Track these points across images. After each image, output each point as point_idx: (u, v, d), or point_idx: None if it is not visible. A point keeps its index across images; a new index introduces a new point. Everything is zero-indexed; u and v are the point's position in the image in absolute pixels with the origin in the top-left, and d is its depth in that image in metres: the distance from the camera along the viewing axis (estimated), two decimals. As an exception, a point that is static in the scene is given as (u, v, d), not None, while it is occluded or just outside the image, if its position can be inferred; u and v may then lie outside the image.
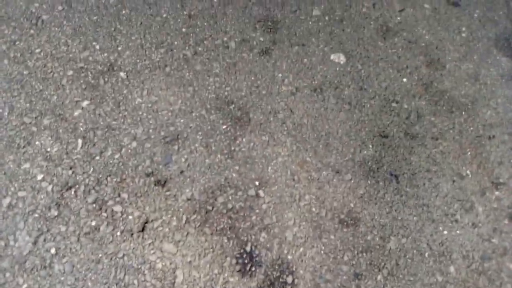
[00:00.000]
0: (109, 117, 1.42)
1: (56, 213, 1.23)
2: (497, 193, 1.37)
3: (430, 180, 1.38)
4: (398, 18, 1.75)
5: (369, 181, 1.36)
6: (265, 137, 1.43)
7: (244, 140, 1.42)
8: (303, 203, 1.31)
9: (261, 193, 1.32)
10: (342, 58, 1.63)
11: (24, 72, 1.52)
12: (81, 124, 1.39)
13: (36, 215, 1.22)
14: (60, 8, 1.70)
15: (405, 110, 1.52)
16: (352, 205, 1.32)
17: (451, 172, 1.40)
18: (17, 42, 1.60)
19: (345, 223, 1.30)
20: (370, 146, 1.44)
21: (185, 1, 1.74)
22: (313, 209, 1.31)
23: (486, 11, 1.81)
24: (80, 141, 1.36)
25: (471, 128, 1.50)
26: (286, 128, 1.45)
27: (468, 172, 1.41)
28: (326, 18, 1.73)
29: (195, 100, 1.49)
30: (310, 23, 1.71)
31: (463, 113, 1.53)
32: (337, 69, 1.60)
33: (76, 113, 1.42)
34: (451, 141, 1.47)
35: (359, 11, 1.76)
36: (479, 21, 1.78)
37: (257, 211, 1.29)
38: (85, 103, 1.44)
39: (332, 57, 1.63)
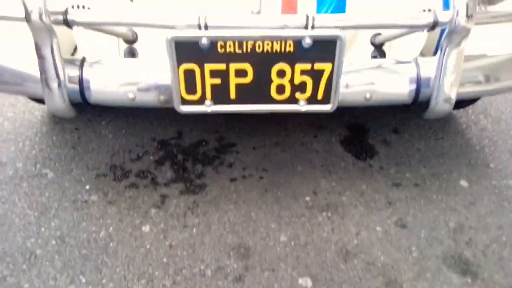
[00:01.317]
0: None
1: None
2: None
3: None
4: (355, 241, 2.00)
5: None
6: None
7: None
8: None
9: None
10: (309, 282, 1.79)
11: (8, 310, 1.59)
12: None
13: None
14: (53, 242, 1.90)
15: (371, 334, 1.60)
16: None
17: None
18: (8, 278, 1.73)
19: None
20: None
21: (167, 232, 1.98)
22: None
23: (430, 231, 2.09)
24: None
25: None
26: None
27: None
28: (292, 243, 1.96)
29: (171, 332, 1.55)
30: (278, 248, 1.94)
31: (426, 335, 1.62)
32: (305, 293, 1.74)
33: None
34: None
35: (320, 235, 2.02)
36: (426, 241, 2.03)
37: None
38: None
39: (299, 281, 1.79)
